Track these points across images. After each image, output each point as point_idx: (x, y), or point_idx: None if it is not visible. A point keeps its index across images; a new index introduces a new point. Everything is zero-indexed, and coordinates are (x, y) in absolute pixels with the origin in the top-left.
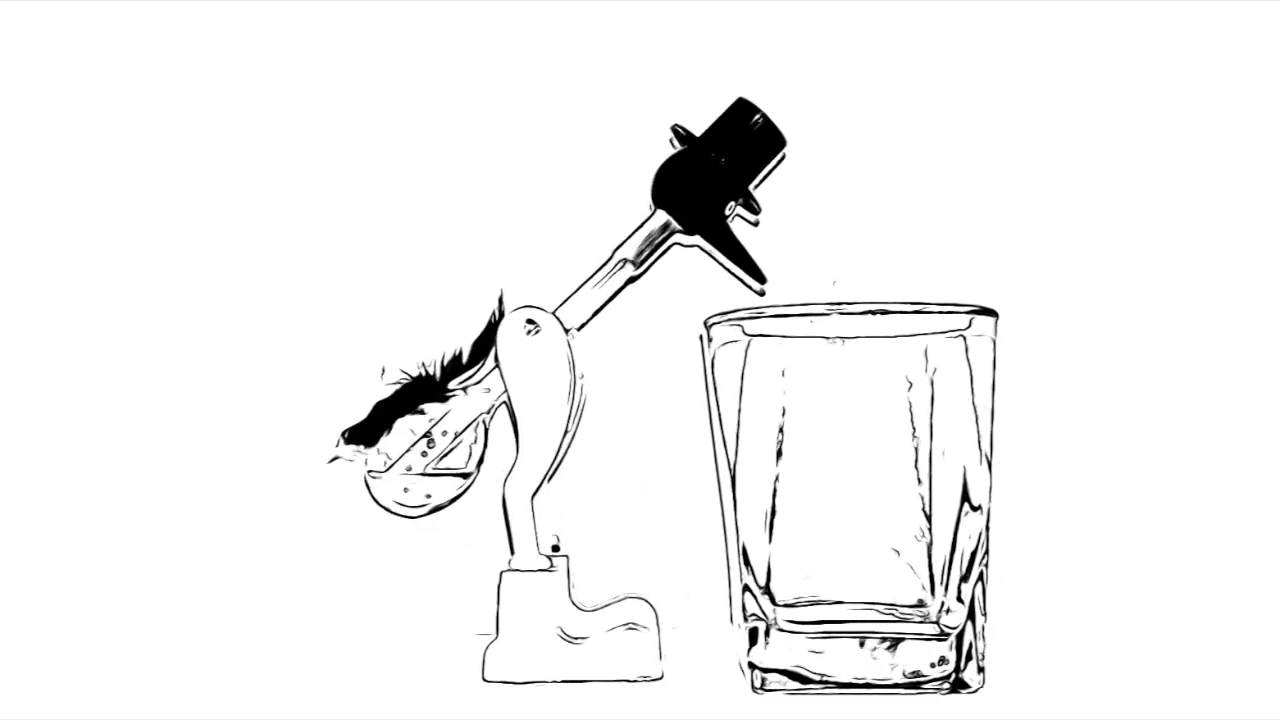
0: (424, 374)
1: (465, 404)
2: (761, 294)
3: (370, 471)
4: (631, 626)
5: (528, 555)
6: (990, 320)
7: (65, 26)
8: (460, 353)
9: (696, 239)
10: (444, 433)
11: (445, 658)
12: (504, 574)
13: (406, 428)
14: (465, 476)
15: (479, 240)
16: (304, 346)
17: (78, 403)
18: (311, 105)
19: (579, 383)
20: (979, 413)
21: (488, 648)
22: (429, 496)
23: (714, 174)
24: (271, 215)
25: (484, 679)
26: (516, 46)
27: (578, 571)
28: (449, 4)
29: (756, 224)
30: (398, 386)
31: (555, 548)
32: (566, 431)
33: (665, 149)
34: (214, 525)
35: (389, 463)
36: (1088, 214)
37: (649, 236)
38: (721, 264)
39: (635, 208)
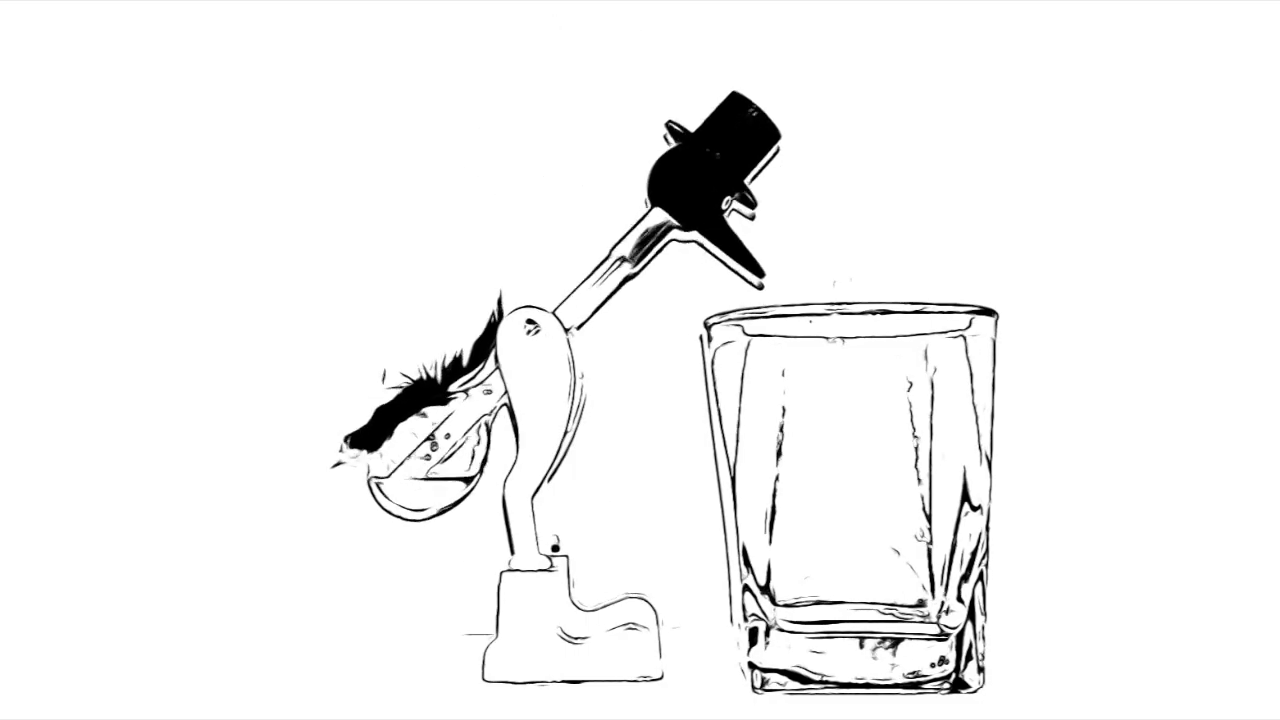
0: (425, 377)
1: (467, 407)
2: (760, 288)
3: (373, 477)
4: (631, 626)
5: (528, 555)
6: (990, 320)
7: (65, 27)
8: (460, 355)
9: (694, 235)
10: (446, 436)
11: (445, 658)
12: (504, 574)
13: (409, 431)
14: (468, 481)
15: (479, 239)
16: (303, 346)
17: (76, 406)
18: (309, 104)
19: (579, 383)
20: (979, 413)
21: (488, 648)
22: (432, 501)
23: (710, 169)
24: (269, 215)
25: (484, 679)
26: (517, 45)
27: (578, 571)
28: (449, 4)
29: (753, 218)
30: (399, 390)
31: (555, 548)
32: (566, 431)
33: (663, 147)
34: (214, 526)
35: (392, 467)
36: (1088, 214)
37: (646, 234)
38: (720, 259)
39: (634, 206)
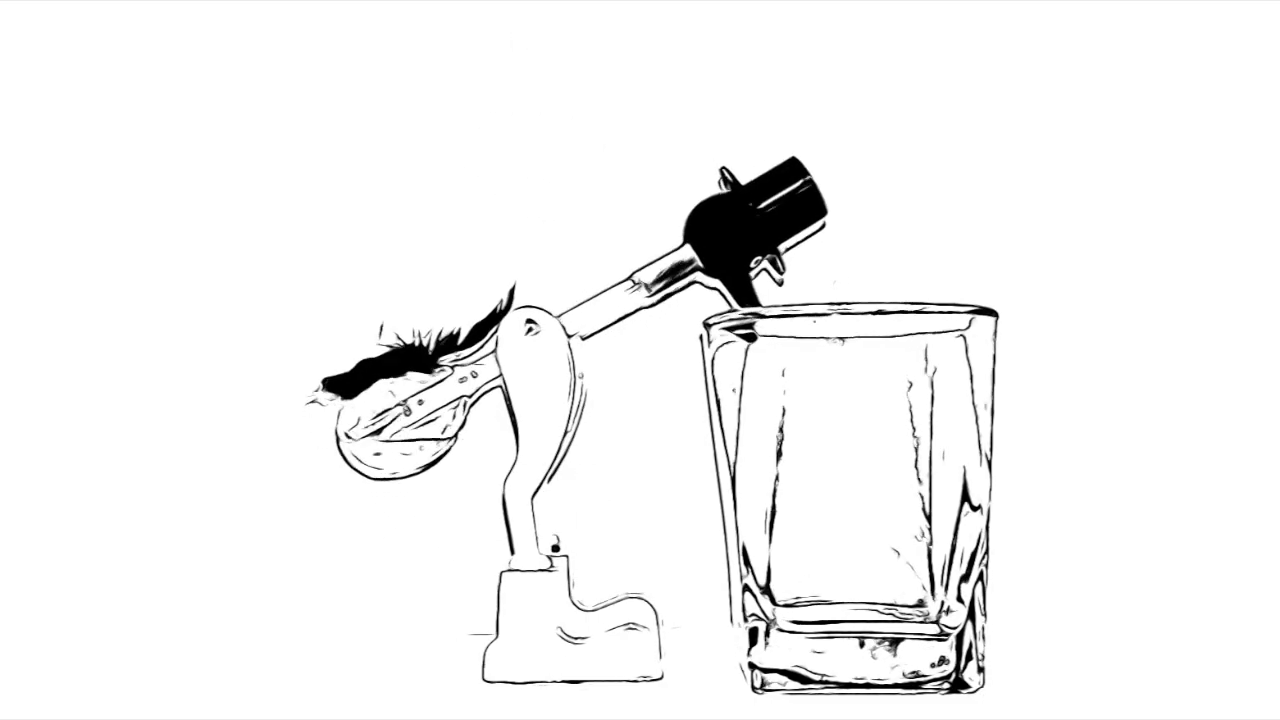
0: (416, 343)
1: (449, 382)
2: (751, 340)
3: (340, 431)
4: (631, 626)
5: (528, 555)
6: (990, 320)
7: (65, 27)
8: (458, 332)
9: (716, 282)
10: (420, 402)
11: (445, 658)
12: (504, 574)
13: (386, 390)
14: (444, 440)
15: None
16: (317, 345)
17: (77, 404)
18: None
19: (579, 382)
20: (979, 412)
21: (488, 648)
22: (401, 464)
23: (750, 225)
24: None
25: (484, 679)
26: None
27: (578, 571)
28: (448, 3)
29: (781, 283)
30: (388, 348)
31: (555, 548)
32: (566, 431)
33: (696, 176)
34: (215, 525)
35: (361, 422)
36: (1088, 214)
37: (670, 268)
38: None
39: (661, 223)
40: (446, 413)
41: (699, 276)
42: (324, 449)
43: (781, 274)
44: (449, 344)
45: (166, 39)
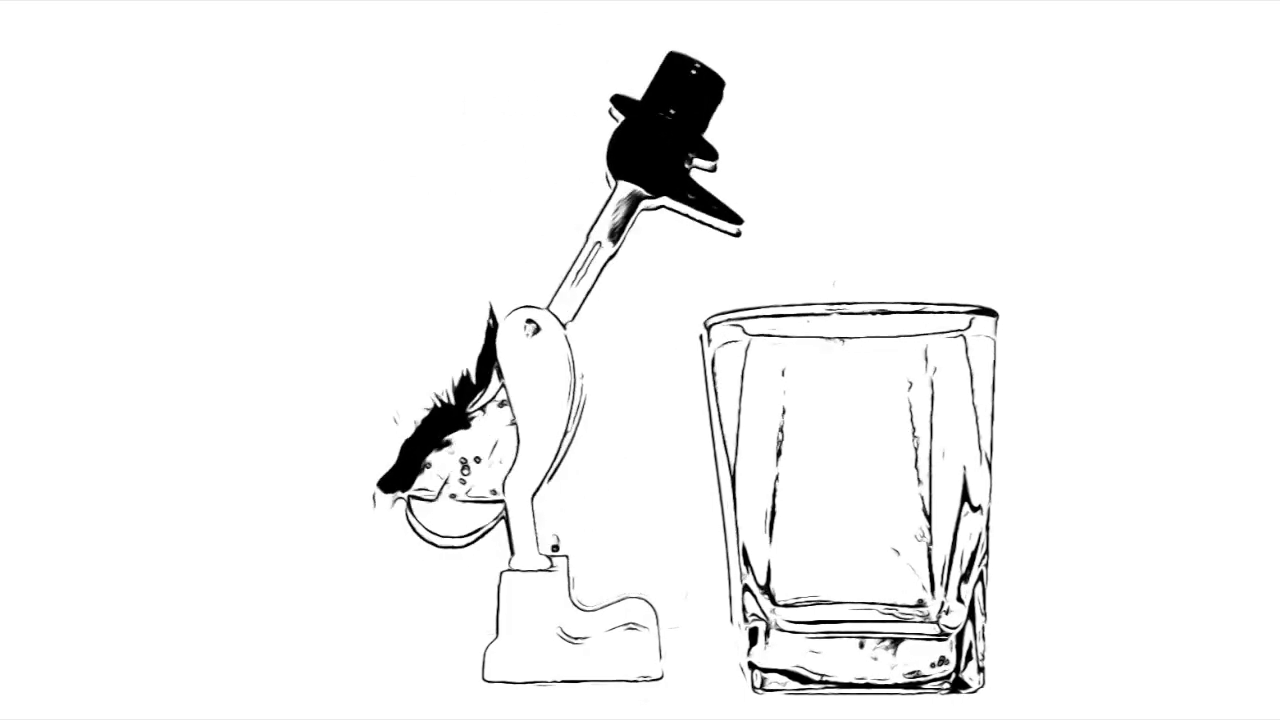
0: (440, 404)
1: (487, 424)
2: (738, 235)
3: (415, 498)
4: (631, 626)
5: (528, 555)
6: (990, 320)
7: (65, 27)
8: (467, 374)
9: (663, 200)
10: (475, 458)
11: (445, 658)
12: (504, 574)
13: (438, 461)
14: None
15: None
16: (295, 346)
17: (76, 409)
18: (299, 107)
19: (579, 383)
20: (979, 413)
21: (488, 648)
22: (469, 523)
23: (666, 132)
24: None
25: (484, 679)
26: (506, 45)
27: (578, 571)
28: (443, 3)
29: (714, 169)
30: (418, 424)
31: (555, 548)
32: (566, 431)
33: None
34: (214, 525)
35: (433, 496)
36: (1088, 214)
37: (617, 210)
38: (693, 218)
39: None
40: (500, 461)
41: (646, 202)
42: (323, 447)
43: (714, 159)
44: (467, 389)
45: (167, 39)
